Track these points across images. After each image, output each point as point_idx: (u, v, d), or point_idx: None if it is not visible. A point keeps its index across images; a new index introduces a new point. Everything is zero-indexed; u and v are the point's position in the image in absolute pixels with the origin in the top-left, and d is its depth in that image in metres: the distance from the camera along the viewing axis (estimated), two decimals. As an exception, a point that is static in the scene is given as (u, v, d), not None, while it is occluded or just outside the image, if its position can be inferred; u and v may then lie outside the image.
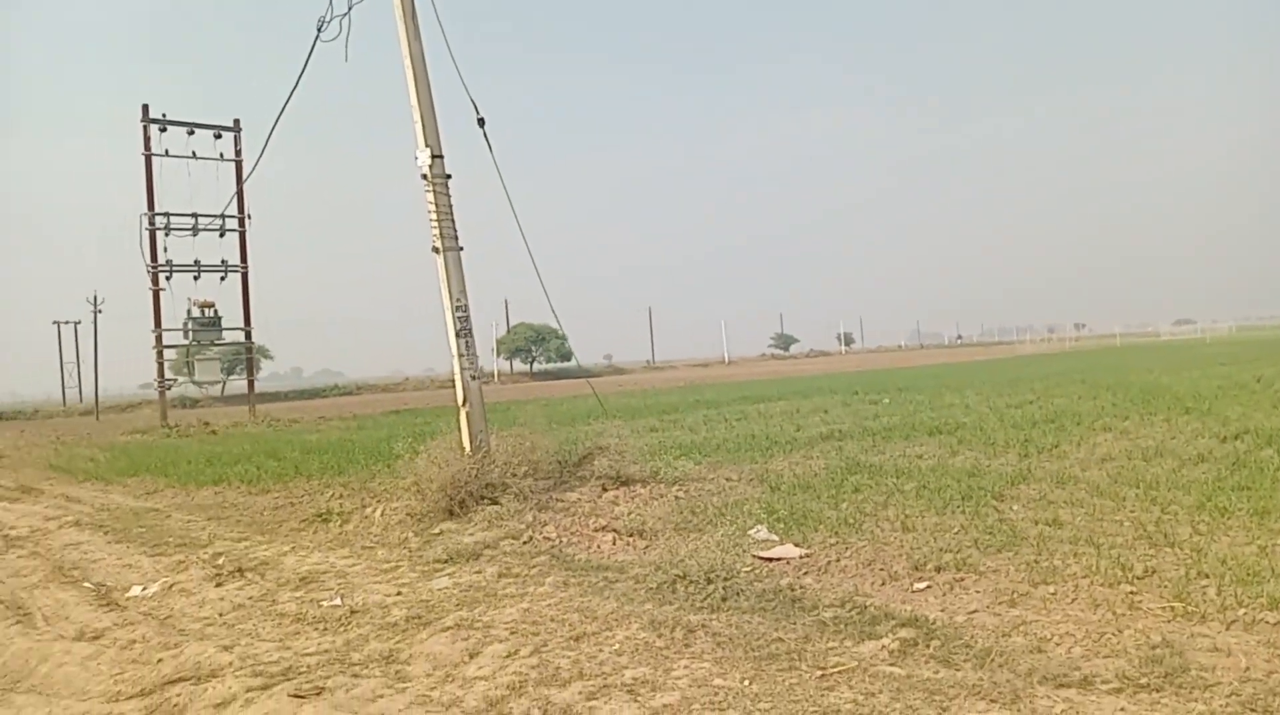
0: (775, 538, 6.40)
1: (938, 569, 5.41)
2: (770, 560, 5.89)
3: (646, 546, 6.70)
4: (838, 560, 5.80)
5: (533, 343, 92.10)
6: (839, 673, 3.99)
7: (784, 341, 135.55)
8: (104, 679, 4.92)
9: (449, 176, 9.11)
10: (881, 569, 5.57)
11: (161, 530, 9.26)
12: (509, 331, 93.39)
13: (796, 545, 6.14)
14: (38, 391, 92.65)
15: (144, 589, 6.87)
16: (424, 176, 9.04)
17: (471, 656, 4.56)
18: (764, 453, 10.35)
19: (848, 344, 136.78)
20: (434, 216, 9.02)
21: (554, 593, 5.62)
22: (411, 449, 9.32)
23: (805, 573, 5.66)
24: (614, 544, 6.87)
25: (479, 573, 6.30)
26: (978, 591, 5.05)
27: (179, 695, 4.46)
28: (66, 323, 72.78)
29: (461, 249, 9.19)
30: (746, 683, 3.93)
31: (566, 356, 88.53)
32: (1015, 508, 6.72)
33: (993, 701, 3.59)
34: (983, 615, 4.69)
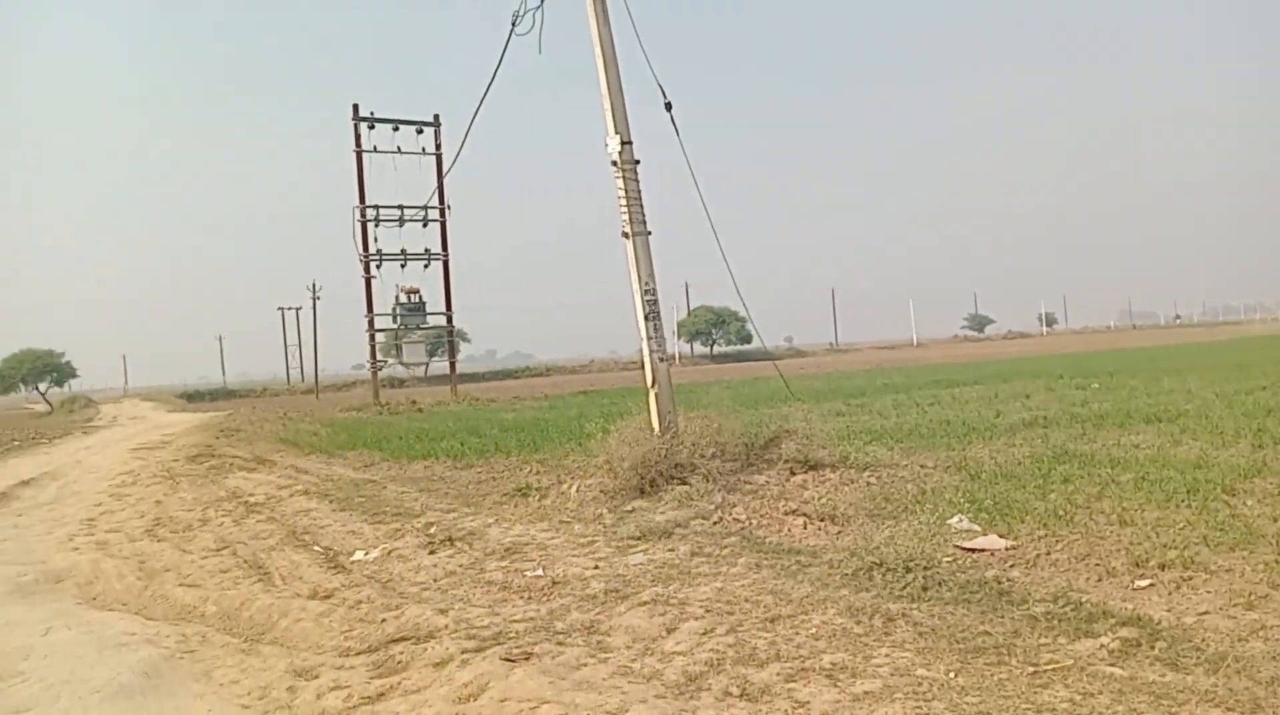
0: (977, 528, 6.14)
1: (1161, 566, 5.02)
2: (973, 551, 5.66)
3: (839, 532, 6.60)
4: (1047, 553, 5.50)
5: (713, 325, 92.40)
6: (1053, 670, 3.80)
7: (978, 322, 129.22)
8: (335, 635, 5.39)
9: (638, 162, 9.27)
10: (1097, 564, 5.24)
11: (379, 500, 10.02)
12: (689, 314, 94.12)
13: (1001, 536, 5.87)
14: (265, 371, 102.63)
15: (366, 554, 7.45)
16: (613, 163, 9.23)
17: (669, 632, 4.66)
18: (961, 439, 9.93)
19: (1049, 325, 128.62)
20: (623, 202, 9.20)
21: (746, 574, 5.65)
22: (602, 428, 9.60)
23: (1012, 565, 5.40)
24: (805, 528, 6.81)
25: (672, 551, 6.43)
26: (1208, 592, 4.65)
27: (402, 653, 4.83)
28: (290, 308, 79.94)
29: (650, 233, 9.34)
30: (952, 675, 3.81)
31: (746, 339, 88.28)
32: (1249, 503, 6.12)
33: (1229, 710, 3.32)
34: (1215, 617, 4.32)
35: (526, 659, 4.36)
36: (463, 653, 4.58)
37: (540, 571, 6.23)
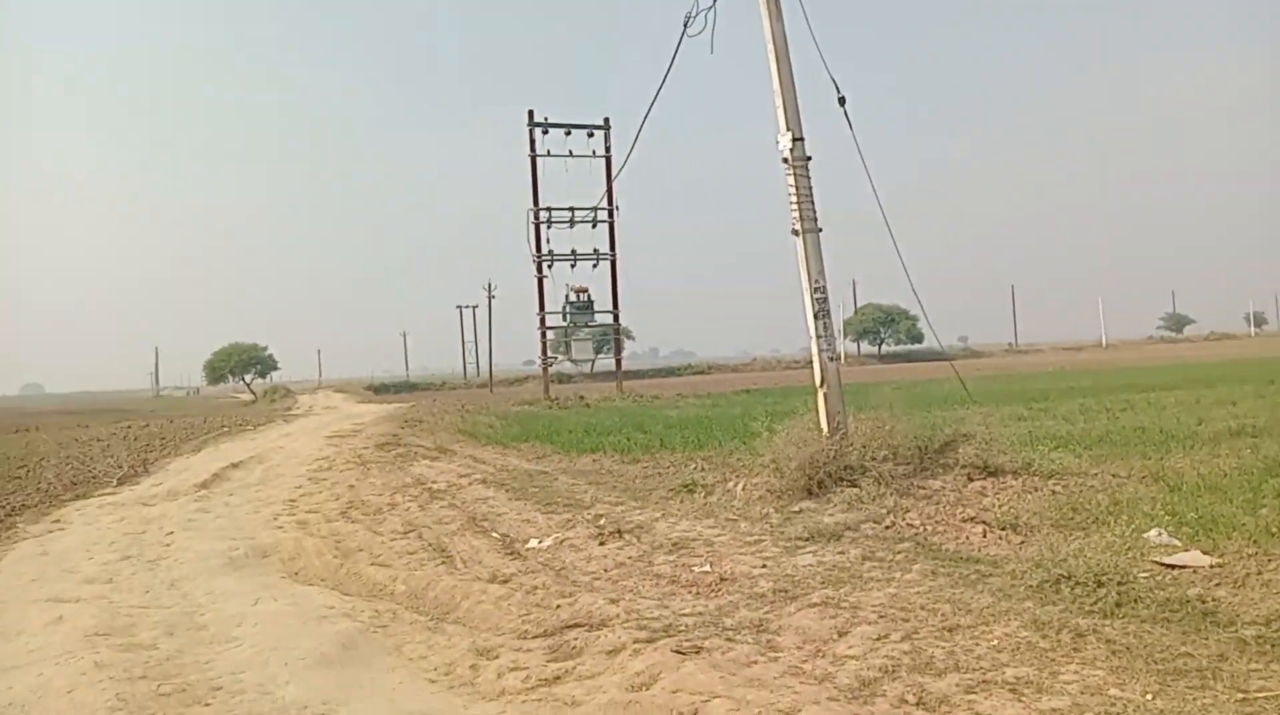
0: (1177, 542, 5.72)
1: (1398, 594, 4.51)
2: (1173, 567, 5.27)
3: (1021, 542, 6.30)
4: (1258, 573, 5.05)
5: (881, 324, 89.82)
6: (1265, 698, 3.49)
7: (1176, 322, 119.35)
8: (513, 618, 5.63)
9: (809, 159, 9.16)
10: (1319, 588, 4.76)
11: (551, 491, 10.37)
12: (856, 312, 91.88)
13: (1204, 553, 5.44)
14: (443, 366, 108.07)
15: (540, 542, 7.74)
16: (785, 160, 9.16)
17: (840, 635, 4.60)
18: (1158, 448, 9.25)
19: (1259, 325, 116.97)
20: (794, 199, 9.11)
21: (922, 581, 5.50)
22: (768, 428, 9.55)
23: (1217, 584, 4.99)
24: (984, 536, 6.54)
25: (842, 553, 6.33)
26: None
27: (576, 639, 4.99)
28: (467, 307, 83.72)
29: (820, 230, 9.22)
30: (1149, 697, 3.57)
31: (917, 338, 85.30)
32: None
33: None
34: None
35: (697, 652, 4.41)
36: (634, 642, 4.69)
37: (708, 567, 6.28)
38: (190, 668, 4.96)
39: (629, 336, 58.92)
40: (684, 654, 4.40)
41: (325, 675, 4.75)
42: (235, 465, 15.59)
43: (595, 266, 34.25)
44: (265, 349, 79.13)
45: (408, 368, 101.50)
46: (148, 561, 8.00)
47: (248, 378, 79.46)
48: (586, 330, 36.25)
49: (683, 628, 4.89)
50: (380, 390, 70.34)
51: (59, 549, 8.66)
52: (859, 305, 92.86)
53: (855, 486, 8.03)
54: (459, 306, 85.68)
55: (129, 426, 29.84)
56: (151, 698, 4.42)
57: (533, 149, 33.13)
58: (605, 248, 33.98)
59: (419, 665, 4.94)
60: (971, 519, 6.93)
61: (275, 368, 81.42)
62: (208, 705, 4.34)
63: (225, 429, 26.36)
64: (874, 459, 8.34)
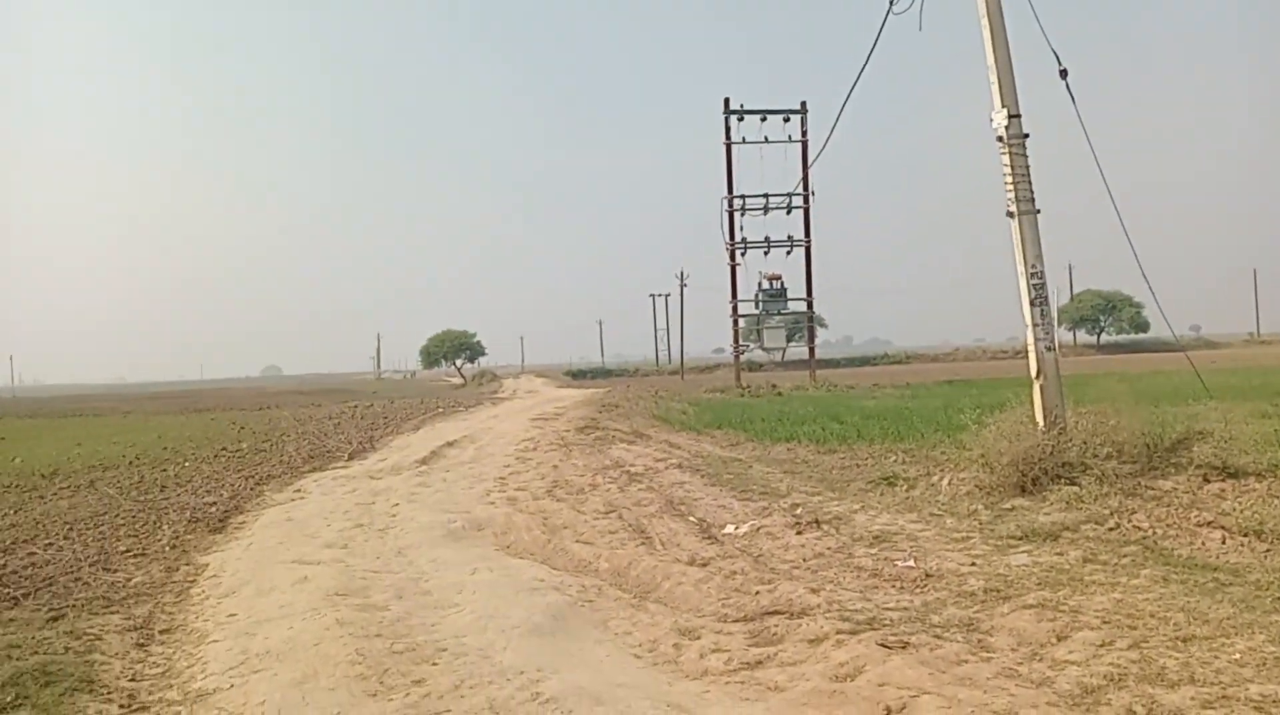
0: None
1: None
2: None
3: (1267, 551, 5.71)
4: None
5: (1101, 312, 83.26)
6: None
7: None
8: (713, 601, 5.71)
9: (1026, 136, 8.66)
10: None
11: (745, 478, 10.40)
12: (1073, 299, 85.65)
13: None
14: (635, 352, 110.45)
15: (736, 528, 7.80)
16: (999, 138, 8.71)
17: (1059, 639, 4.37)
18: None
19: None
20: (1009, 179, 8.65)
21: (1151, 587, 5.11)
22: (976, 420, 9.14)
23: None
24: (1223, 543, 5.98)
25: (1060, 555, 5.98)
26: None
27: (776, 626, 5.00)
28: (660, 295, 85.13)
29: (1038, 212, 8.70)
30: None
31: (1141, 327, 78.46)
32: None
33: None
34: None
35: (903, 647, 4.32)
36: (837, 633, 4.65)
37: (911, 562, 6.11)
38: (418, 629, 5.35)
39: (822, 324, 57.92)
40: (890, 648, 4.32)
41: (538, 643, 5.00)
42: (450, 444, 16.62)
43: (789, 253, 33.76)
44: (474, 335, 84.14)
45: (603, 354, 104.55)
46: (377, 530, 8.69)
47: (458, 362, 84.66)
48: (779, 318, 35.80)
49: (887, 621, 4.80)
50: (578, 375, 72.86)
51: (301, 516, 9.59)
52: (1075, 291, 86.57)
53: (1074, 485, 7.56)
54: (652, 295, 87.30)
55: (355, 406, 32.51)
56: (386, 654, 4.83)
57: (728, 136, 33.01)
58: (799, 234, 33.41)
59: (624, 640, 5.11)
60: (1208, 523, 6.35)
61: (483, 353, 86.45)
62: (435, 664, 4.69)
63: (440, 410, 28.15)
64: (1095, 456, 7.81)
